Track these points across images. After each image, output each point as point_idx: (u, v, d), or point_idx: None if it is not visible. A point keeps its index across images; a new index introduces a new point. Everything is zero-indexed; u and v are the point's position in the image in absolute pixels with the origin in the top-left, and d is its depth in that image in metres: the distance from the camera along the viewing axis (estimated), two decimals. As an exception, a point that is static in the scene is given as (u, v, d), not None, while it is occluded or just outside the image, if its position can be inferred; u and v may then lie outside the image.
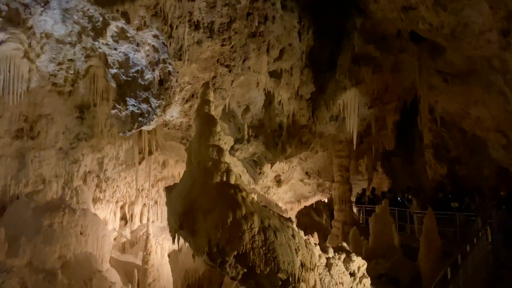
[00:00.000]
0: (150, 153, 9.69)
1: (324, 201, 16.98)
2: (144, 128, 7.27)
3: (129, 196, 12.51)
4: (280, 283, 4.19)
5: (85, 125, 8.76)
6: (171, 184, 5.44)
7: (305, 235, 5.08)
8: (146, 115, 6.71)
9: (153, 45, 6.32)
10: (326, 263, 5.08)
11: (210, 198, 4.21)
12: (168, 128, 8.18)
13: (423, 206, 10.03)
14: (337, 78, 9.07)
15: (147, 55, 6.40)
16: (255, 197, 4.65)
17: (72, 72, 7.33)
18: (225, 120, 9.27)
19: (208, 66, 7.15)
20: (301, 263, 4.33)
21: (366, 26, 8.45)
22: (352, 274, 5.28)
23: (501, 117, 8.96)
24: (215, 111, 7.40)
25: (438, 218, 8.26)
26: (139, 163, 10.48)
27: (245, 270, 4.13)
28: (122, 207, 12.78)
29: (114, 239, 11.96)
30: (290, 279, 4.19)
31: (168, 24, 6.14)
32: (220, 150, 4.55)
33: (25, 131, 8.36)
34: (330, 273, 5.01)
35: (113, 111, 6.76)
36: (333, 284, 4.98)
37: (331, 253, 5.23)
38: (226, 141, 4.83)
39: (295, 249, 4.33)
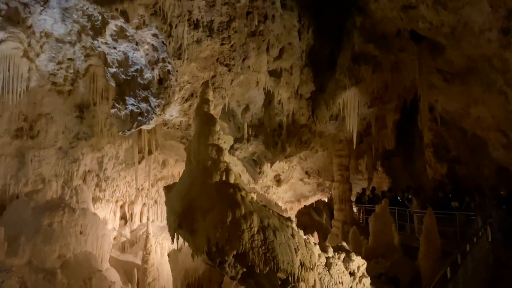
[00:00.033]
0: (150, 152, 9.69)
1: (324, 201, 16.97)
2: (144, 127, 7.26)
3: (129, 196, 12.51)
4: (279, 282, 4.18)
5: (85, 124, 8.76)
6: (171, 183, 5.43)
7: (305, 234, 5.08)
8: (146, 114, 6.70)
9: (152, 44, 6.30)
10: (326, 263, 5.07)
11: (209, 198, 4.20)
12: (168, 128, 8.17)
13: (423, 206, 10.01)
14: (337, 77, 9.05)
15: (147, 54, 6.39)
16: (255, 196, 4.64)
17: (71, 71, 7.33)
18: (225, 120, 9.25)
19: (207, 65, 7.14)
20: (301, 262, 4.33)
21: (366, 25, 8.44)
22: (352, 274, 5.27)
23: (501, 117, 8.94)
24: (215, 110, 7.37)
25: (438, 217, 8.24)
26: (139, 163, 10.48)
27: (245, 270, 4.12)
28: (122, 207, 12.78)
29: (114, 238, 11.96)
30: (290, 278, 4.18)
31: (167, 23, 6.13)
32: (219, 149, 4.54)
33: (25, 130, 8.37)
34: (329, 273, 5.00)
35: (113, 110, 6.76)
36: (332, 284, 4.97)
37: (330, 252, 5.22)
38: (225, 141, 4.82)
39: (295, 249, 4.32)
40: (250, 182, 11.25)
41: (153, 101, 6.61)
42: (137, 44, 6.25)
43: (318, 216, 16.44)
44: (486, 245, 7.41)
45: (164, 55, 6.36)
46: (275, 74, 8.57)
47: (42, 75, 7.18)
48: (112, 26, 6.09)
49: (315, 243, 5.12)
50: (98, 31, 6.18)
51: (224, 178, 4.41)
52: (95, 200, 11.14)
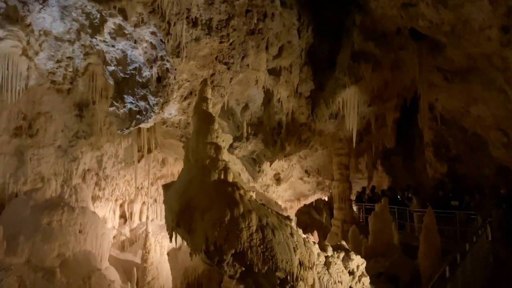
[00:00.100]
0: (149, 151, 9.68)
1: (324, 200, 16.95)
2: (142, 125, 7.25)
3: (128, 194, 12.50)
4: (278, 281, 4.17)
5: (84, 123, 8.75)
6: (170, 182, 5.41)
7: (305, 233, 5.06)
8: (144, 113, 6.68)
9: (150, 42, 6.29)
10: (325, 262, 5.06)
11: (207, 196, 4.18)
12: (167, 126, 8.15)
13: (423, 205, 10.00)
14: (336, 75, 9.03)
15: (145, 52, 6.37)
16: (254, 195, 4.62)
17: (71, 69, 7.31)
18: (224, 118, 9.23)
19: (206, 64, 7.11)
20: (300, 261, 4.31)
21: (366, 23, 8.41)
22: (351, 273, 5.26)
23: (501, 115, 8.92)
24: (214, 108, 7.37)
25: (438, 216, 8.23)
26: (138, 161, 10.48)
27: (243, 269, 4.11)
28: (121, 205, 12.77)
29: (113, 237, 11.95)
30: (289, 277, 4.17)
31: (165, 21, 6.10)
32: (218, 148, 4.52)
33: (24, 129, 8.36)
34: (329, 272, 4.98)
35: (111, 109, 6.74)
36: (332, 283, 4.95)
37: (330, 251, 5.20)
38: (224, 139, 4.80)
39: (294, 248, 4.31)
40: (249, 181, 11.23)
41: (152, 99, 6.59)
42: (135, 42, 6.23)
43: (318, 215, 16.43)
44: (486, 244, 7.38)
45: (162, 53, 6.34)
46: (274, 72, 8.55)
47: (41, 74, 7.16)
48: (110, 24, 6.06)
49: (314, 242, 5.11)
50: (96, 29, 6.16)
51: (222, 176, 4.40)
52: (94, 199, 11.13)
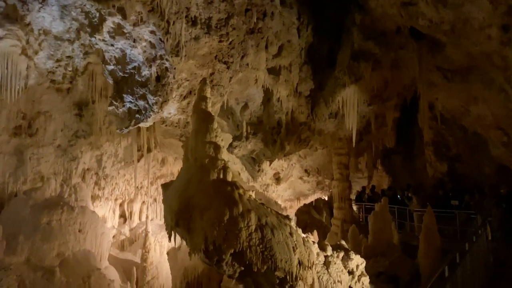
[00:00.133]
0: (149, 150, 9.66)
1: (324, 199, 16.95)
2: (141, 125, 7.23)
3: (128, 194, 12.49)
4: (277, 281, 4.17)
5: (84, 122, 8.73)
6: (169, 181, 5.41)
7: (305, 233, 5.05)
8: (143, 112, 6.67)
9: (150, 41, 6.26)
10: (325, 261, 5.05)
11: (206, 195, 4.18)
12: (166, 125, 8.14)
13: (423, 204, 9.99)
14: (336, 75, 9.01)
15: (144, 51, 6.35)
16: (253, 194, 4.62)
17: (70, 69, 7.30)
18: (224, 117, 9.22)
19: (205, 63, 7.09)
20: (299, 261, 4.31)
21: (366, 22, 8.38)
22: (351, 272, 5.25)
23: (501, 115, 8.91)
24: (213, 108, 7.36)
25: (438, 216, 8.23)
26: (138, 161, 10.46)
27: (242, 268, 4.10)
28: (121, 205, 12.76)
29: (113, 236, 11.95)
30: (288, 277, 4.16)
31: (165, 20, 6.08)
32: (217, 147, 4.52)
33: (23, 128, 8.34)
34: (328, 271, 4.98)
35: (110, 108, 6.73)
36: (331, 283, 4.95)
37: (329, 251, 5.20)
38: (223, 138, 4.80)
39: (293, 247, 4.30)
40: (249, 181, 11.22)
41: (151, 98, 6.57)
42: (134, 41, 6.21)
43: (318, 215, 16.44)
44: (486, 244, 7.38)
45: (161, 52, 6.32)
46: (274, 71, 8.53)
47: (41, 73, 7.15)
48: (109, 23, 6.04)
49: (313, 242, 5.10)
50: (95, 28, 6.14)
51: (221, 176, 4.39)
52: (94, 198, 11.12)
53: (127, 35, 6.17)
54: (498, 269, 6.94)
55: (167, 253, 11.70)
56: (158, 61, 6.42)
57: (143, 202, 13.07)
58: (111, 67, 6.54)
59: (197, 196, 4.20)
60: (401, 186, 12.93)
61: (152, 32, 6.18)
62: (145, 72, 6.50)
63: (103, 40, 6.26)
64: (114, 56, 6.44)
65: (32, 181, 9.11)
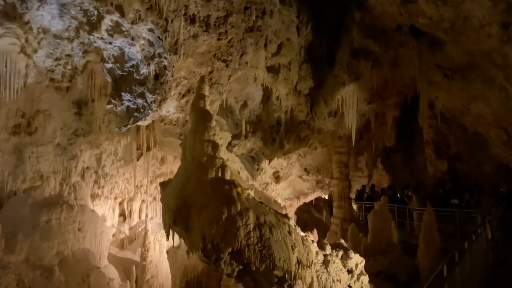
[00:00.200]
0: (148, 149, 9.65)
1: (324, 198, 16.95)
2: (140, 123, 7.22)
3: (127, 192, 12.50)
4: (276, 280, 4.14)
5: (83, 121, 8.73)
6: (167, 180, 5.39)
7: (304, 231, 5.03)
8: (142, 110, 6.65)
9: (148, 39, 6.24)
10: (323, 260, 5.02)
11: (204, 194, 4.15)
12: (165, 124, 8.12)
13: (423, 203, 9.96)
14: (335, 73, 8.98)
15: (142, 49, 6.33)
16: (252, 193, 4.59)
17: (69, 67, 7.31)
18: (223, 116, 9.20)
19: (204, 61, 7.07)
20: (298, 260, 4.28)
21: (365, 20, 8.36)
22: (350, 271, 5.22)
23: (501, 113, 8.90)
24: (212, 106, 7.35)
25: (438, 215, 8.19)
26: (138, 159, 10.45)
27: (241, 267, 4.08)
28: (120, 204, 12.78)
29: (113, 235, 11.95)
30: (286, 276, 4.14)
31: (163, 18, 6.06)
32: (215, 145, 4.49)
33: (23, 127, 8.35)
34: (327, 270, 4.95)
35: (109, 106, 6.71)
36: (330, 281, 4.92)
37: (328, 250, 5.17)
38: (222, 137, 4.77)
39: (291, 246, 4.28)
40: (249, 179, 11.21)
41: (149, 96, 6.56)
42: (132, 39, 6.19)
43: (318, 213, 16.43)
44: (486, 243, 7.36)
45: (160, 50, 6.30)
46: (273, 70, 8.51)
47: (40, 71, 7.15)
48: (107, 21, 6.03)
49: (312, 241, 5.08)
50: (93, 26, 6.13)
51: (219, 174, 4.36)
52: (93, 197, 11.13)
53: (125, 33, 6.15)
54: (498, 268, 6.92)
55: (167, 252, 11.70)
56: (156, 59, 6.41)
57: (143, 200, 13.08)
58: (109, 65, 6.53)
59: (195, 194, 4.17)
60: (401, 185, 12.88)
61: (150, 30, 6.16)
62: (144, 70, 6.48)
63: (102, 38, 6.25)
64: (113, 54, 6.43)
65: (32, 180, 9.11)
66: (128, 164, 11.01)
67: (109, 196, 11.85)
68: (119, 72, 6.53)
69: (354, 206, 13.41)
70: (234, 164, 10.60)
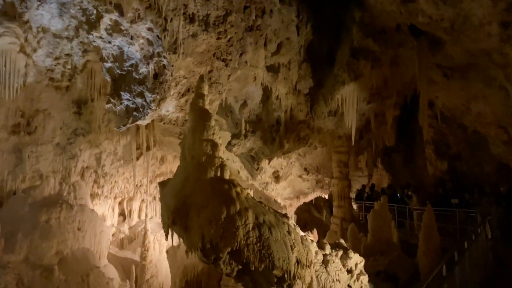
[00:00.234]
0: (148, 148, 9.64)
1: (324, 197, 16.93)
2: (139, 122, 7.21)
3: (127, 192, 12.49)
4: (275, 280, 4.13)
5: (83, 120, 8.73)
6: (166, 179, 5.38)
7: (304, 231, 5.02)
8: (141, 110, 6.64)
9: (147, 38, 6.23)
10: (323, 260, 5.01)
11: (203, 193, 4.14)
12: (164, 123, 8.12)
13: (423, 203, 9.96)
14: (335, 72, 8.96)
15: (142, 49, 6.32)
16: (251, 192, 4.58)
17: (69, 67, 7.31)
18: (223, 115, 9.18)
19: (204, 60, 7.06)
20: (297, 259, 4.27)
21: (365, 20, 8.34)
22: (350, 271, 5.21)
23: (501, 113, 8.89)
24: (212, 105, 7.33)
25: (438, 214, 8.18)
26: (137, 159, 10.44)
27: (240, 267, 4.07)
28: (120, 203, 12.77)
29: (112, 235, 11.95)
30: (286, 276, 4.13)
31: (162, 17, 6.05)
32: (214, 145, 4.48)
33: (22, 126, 8.34)
34: (327, 270, 4.94)
35: (108, 106, 6.70)
36: (329, 281, 4.91)
37: (328, 249, 5.16)
38: (221, 136, 4.76)
39: (291, 246, 4.27)
40: (248, 179, 11.19)
41: (149, 96, 6.55)
42: (132, 38, 6.18)
43: (318, 213, 16.44)
44: (486, 243, 7.34)
45: (159, 49, 6.28)
46: (273, 69, 8.49)
47: (40, 71, 7.14)
48: (106, 20, 6.02)
49: (312, 240, 5.07)
50: (93, 25, 6.12)
51: (219, 174, 4.35)
52: (93, 196, 11.12)
53: (124, 32, 6.14)
54: (498, 268, 6.90)
55: (167, 251, 11.70)
56: (155, 59, 6.39)
57: (143, 200, 13.07)
58: (108, 65, 6.52)
59: (194, 194, 4.16)
60: (401, 184, 12.88)
61: (149, 29, 6.14)
62: (143, 69, 6.47)
63: (101, 38, 6.24)
64: (112, 54, 6.41)
65: (31, 179, 9.10)
66: (128, 163, 10.99)
67: (109, 196, 11.84)
68: (118, 71, 6.51)
69: (354, 206, 13.40)
70: (233, 164, 10.59)
